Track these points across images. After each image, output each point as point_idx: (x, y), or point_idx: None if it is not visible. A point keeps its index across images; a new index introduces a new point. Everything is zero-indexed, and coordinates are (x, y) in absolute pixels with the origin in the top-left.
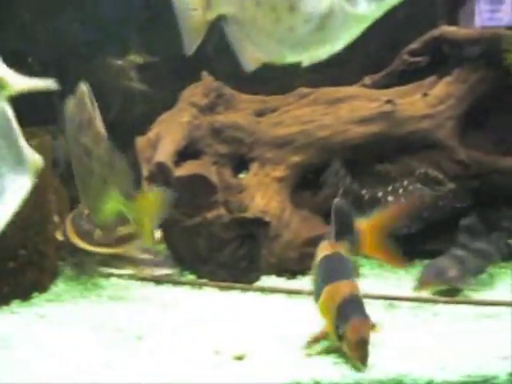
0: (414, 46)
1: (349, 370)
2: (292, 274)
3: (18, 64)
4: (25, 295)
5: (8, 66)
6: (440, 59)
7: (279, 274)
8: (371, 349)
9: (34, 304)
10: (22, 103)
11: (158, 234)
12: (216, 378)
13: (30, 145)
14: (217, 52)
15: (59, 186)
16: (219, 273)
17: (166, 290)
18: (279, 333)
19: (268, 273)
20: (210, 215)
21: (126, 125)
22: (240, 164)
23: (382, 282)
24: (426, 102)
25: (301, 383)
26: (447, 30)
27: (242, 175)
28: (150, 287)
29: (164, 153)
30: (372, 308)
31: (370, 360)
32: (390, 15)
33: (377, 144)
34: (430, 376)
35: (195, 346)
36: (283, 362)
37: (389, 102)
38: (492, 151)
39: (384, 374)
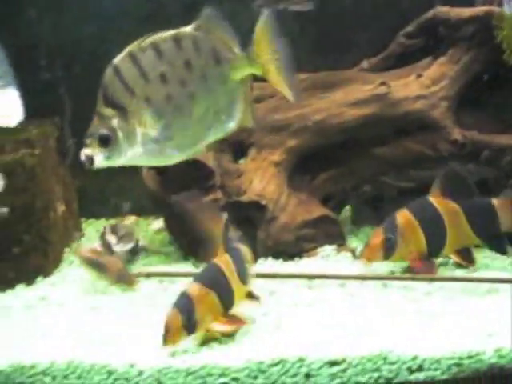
0: (409, 28)
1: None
2: (289, 256)
3: None
4: (29, 280)
5: None
6: (436, 41)
7: (276, 256)
8: None
9: (38, 288)
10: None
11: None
12: None
13: (32, 134)
14: None
15: (66, 176)
16: None
17: None
18: None
19: (265, 255)
20: (206, 199)
21: None
22: (241, 150)
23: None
24: (419, 83)
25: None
26: (441, 10)
27: (242, 161)
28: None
29: None
30: (366, 288)
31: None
32: None
33: (371, 126)
34: (415, 353)
35: None
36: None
37: (383, 84)
38: (488, 130)
39: (368, 351)
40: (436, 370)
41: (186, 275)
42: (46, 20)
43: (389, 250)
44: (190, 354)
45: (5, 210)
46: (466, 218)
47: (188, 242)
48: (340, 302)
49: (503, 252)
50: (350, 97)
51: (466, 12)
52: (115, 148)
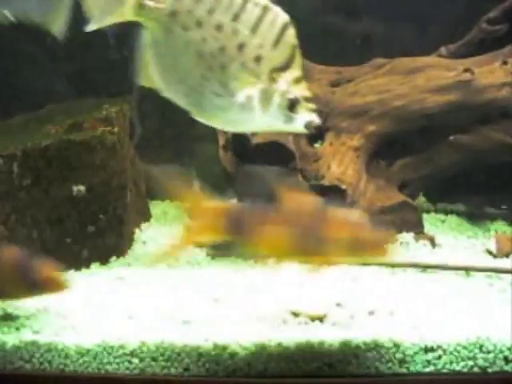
0: (492, 14)
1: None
2: None
3: None
4: (104, 259)
5: None
6: None
7: None
8: None
9: (113, 267)
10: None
11: None
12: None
13: (111, 112)
14: None
15: (134, 156)
16: None
17: None
18: None
19: None
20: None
21: None
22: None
23: (458, 252)
24: (504, 71)
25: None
26: None
27: (317, 145)
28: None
29: None
30: (448, 277)
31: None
32: None
33: (454, 113)
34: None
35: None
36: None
37: (467, 70)
38: None
39: (465, 339)
40: None
41: None
42: None
43: None
44: (284, 335)
45: (82, 188)
46: None
47: None
48: (428, 289)
49: None
50: (432, 83)
51: None
52: None
